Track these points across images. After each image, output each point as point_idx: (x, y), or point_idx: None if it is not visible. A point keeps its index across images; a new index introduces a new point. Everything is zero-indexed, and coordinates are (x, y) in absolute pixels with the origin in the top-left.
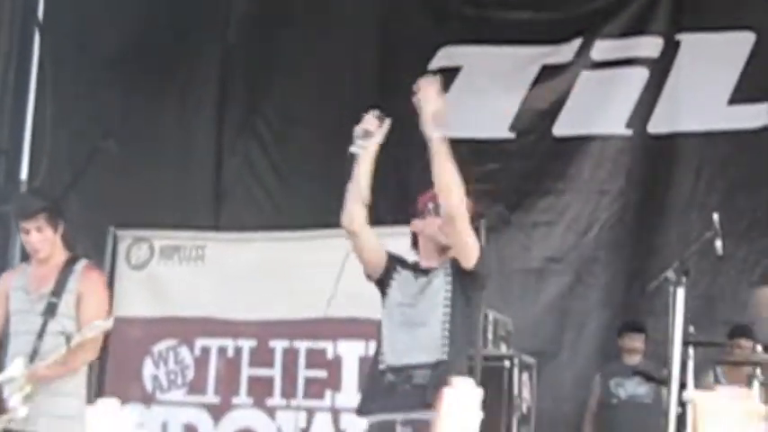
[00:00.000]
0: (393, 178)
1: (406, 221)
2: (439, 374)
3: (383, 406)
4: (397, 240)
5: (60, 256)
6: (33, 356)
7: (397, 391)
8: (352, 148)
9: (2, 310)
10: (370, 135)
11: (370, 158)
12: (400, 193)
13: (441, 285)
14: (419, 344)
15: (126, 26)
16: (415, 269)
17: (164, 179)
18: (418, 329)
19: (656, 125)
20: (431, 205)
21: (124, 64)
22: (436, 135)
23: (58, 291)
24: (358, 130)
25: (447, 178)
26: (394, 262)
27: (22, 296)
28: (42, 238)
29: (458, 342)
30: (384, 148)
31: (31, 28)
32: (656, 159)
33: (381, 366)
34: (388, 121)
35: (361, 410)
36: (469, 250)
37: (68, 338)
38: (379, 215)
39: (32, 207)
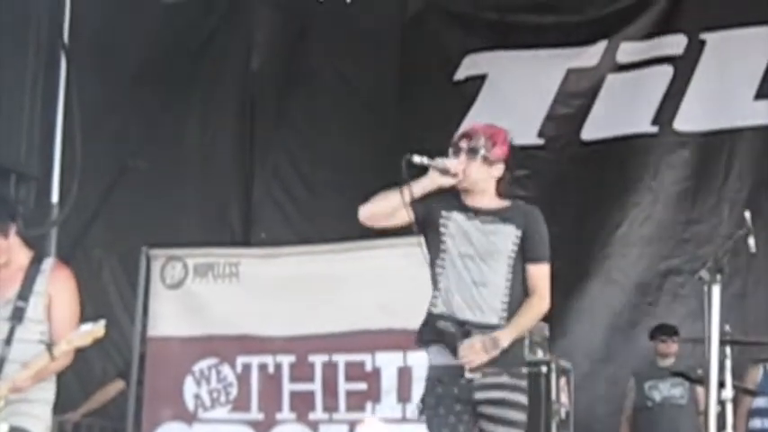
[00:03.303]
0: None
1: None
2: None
3: (447, 347)
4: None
5: (22, 256)
6: (0, 365)
7: (456, 339)
8: (418, 158)
9: None
10: (445, 171)
11: (426, 191)
12: None
13: (506, 241)
14: (479, 303)
15: (150, 46)
16: (472, 210)
17: (193, 196)
18: (479, 288)
19: (683, 122)
20: (464, 144)
21: (149, 84)
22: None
23: (24, 294)
24: (441, 160)
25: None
26: (432, 208)
27: None
28: None
29: (515, 309)
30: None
31: (57, 51)
32: (683, 156)
33: (436, 310)
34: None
35: (419, 343)
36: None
37: (49, 347)
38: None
39: None
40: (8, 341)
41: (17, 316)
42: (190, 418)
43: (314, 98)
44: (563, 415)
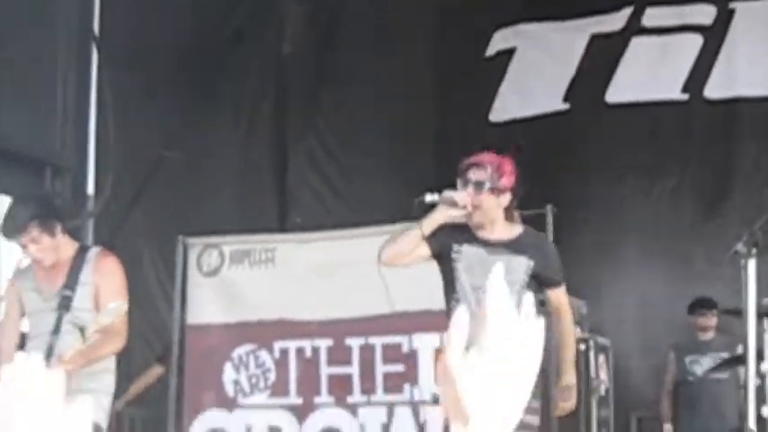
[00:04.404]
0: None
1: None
2: None
3: None
4: None
5: (68, 249)
6: (49, 354)
7: None
8: (429, 197)
9: (15, 313)
10: (453, 204)
11: (438, 224)
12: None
13: (518, 272)
14: None
15: (181, 36)
16: (483, 242)
17: (228, 184)
18: None
19: (713, 90)
20: (472, 176)
21: (181, 74)
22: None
23: (70, 284)
24: (448, 193)
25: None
26: (445, 238)
27: (35, 297)
28: (41, 248)
29: None
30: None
31: (89, 44)
32: (714, 123)
33: None
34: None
35: None
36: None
37: (82, 330)
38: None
39: (17, 222)
40: (56, 330)
41: (64, 305)
42: (230, 404)
43: (346, 83)
44: (602, 392)
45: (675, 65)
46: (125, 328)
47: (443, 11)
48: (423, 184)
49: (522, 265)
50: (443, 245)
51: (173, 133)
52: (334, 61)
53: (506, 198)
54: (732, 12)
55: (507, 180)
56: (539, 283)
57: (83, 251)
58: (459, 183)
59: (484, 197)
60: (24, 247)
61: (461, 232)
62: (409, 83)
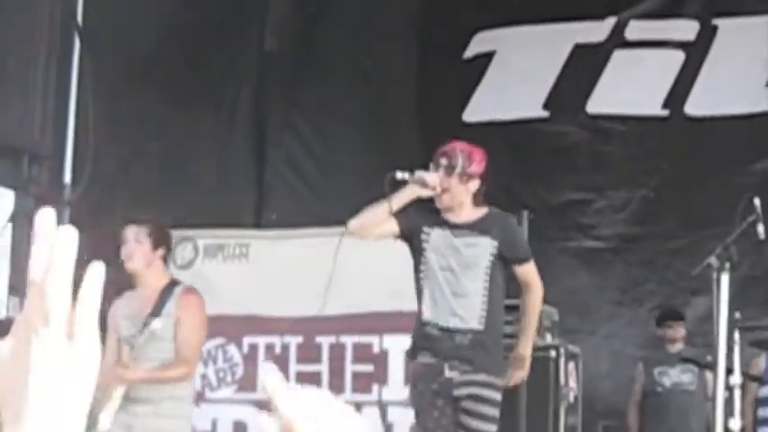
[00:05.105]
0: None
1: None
2: (477, 340)
3: (430, 351)
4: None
5: (161, 279)
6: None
7: (441, 342)
8: (400, 174)
9: (113, 342)
10: (424, 184)
11: (407, 201)
12: None
13: (483, 253)
14: (460, 312)
15: (164, 28)
16: (450, 225)
17: (205, 178)
18: (459, 299)
19: (694, 107)
20: (443, 161)
21: (162, 65)
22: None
23: (156, 312)
24: (419, 173)
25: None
26: (416, 220)
27: (128, 324)
28: (137, 248)
29: (494, 312)
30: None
31: (71, 32)
32: (693, 140)
33: (423, 318)
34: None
35: (410, 355)
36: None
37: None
38: None
39: (139, 217)
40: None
41: (147, 330)
42: (198, 398)
43: (327, 80)
44: (571, 399)
45: (656, 80)
46: (195, 362)
47: (428, 10)
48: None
49: (487, 245)
50: (414, 226)
51: (152, 124)
52: (314, 57)
53: (475, 184)
54: (715, 28)
55: (477, 167)
56: (505, 261)
57: (172, 285)
58: (431, 166)
59: (453, 181)
60: (126, 240)
61: (431, 215)
62: (390, 81)
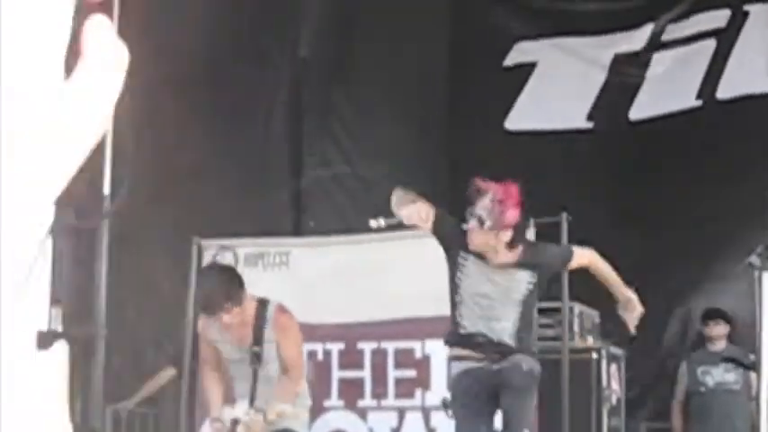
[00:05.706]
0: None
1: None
2: (509, 348)
3: (468, 348)
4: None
5: (251, 307)
6: (252, 401)
7: (477, 341)
8: (374, 223)
9: (212, 357)
10: (413, 226)
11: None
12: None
13: (520, 286)
14: (491, 334)
15: (199, 38)
16: (484, 258)
17: (243, 187)
18: (491, 322)
19: (725, 91)
20: (479, 214)
21: (198, 75)
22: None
23: (258, 340)
24: (399, 217)
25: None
26: (456, 239)
27: (230, 348)
28: (232, 317)
29: (524, 326)
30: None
31: None
32: (725, 125)
33: (462, 332)
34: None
35: (448, 341)
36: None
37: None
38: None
39: (215, 303)
40: (254, 381)
41: (257, 360)
42: None
43: (362, 86)
44: (614, 401)
45: (690, 73)
46: (302, 371)
47: (462, 16)
48: (436, 189)
49: (523, 281)
50: (453, 243)
51: (188, 134)
52: (349, 63)
53: (507, 236)
54: (746, 14)
55: (511, 215)
56: (550, 279)
57: (262, 307)
58: (467, 212)
59: (481, 233)
60: (218, 318)
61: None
62: (426, 87)
